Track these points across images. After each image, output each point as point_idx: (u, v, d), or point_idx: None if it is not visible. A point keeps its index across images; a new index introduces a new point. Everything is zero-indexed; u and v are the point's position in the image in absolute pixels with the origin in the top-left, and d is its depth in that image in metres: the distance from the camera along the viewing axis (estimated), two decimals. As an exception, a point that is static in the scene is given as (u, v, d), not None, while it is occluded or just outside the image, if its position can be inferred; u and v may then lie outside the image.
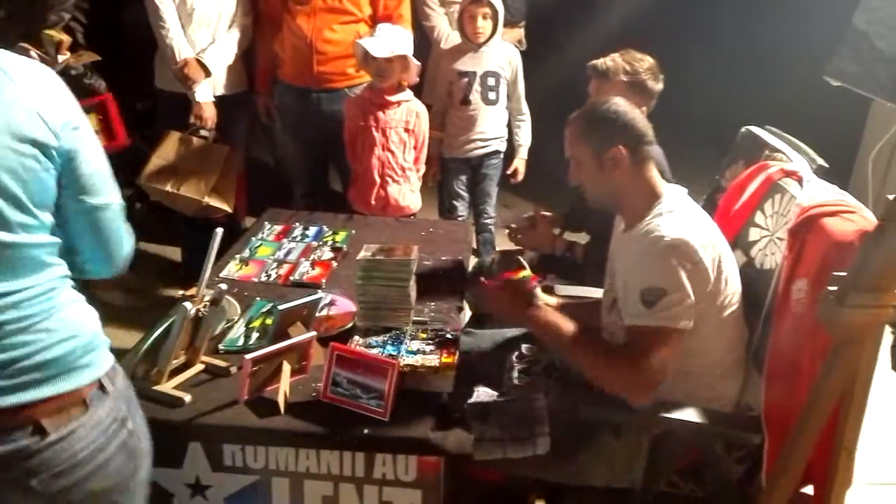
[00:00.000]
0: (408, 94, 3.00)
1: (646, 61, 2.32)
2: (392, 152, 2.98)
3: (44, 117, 1.15)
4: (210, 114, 3.16)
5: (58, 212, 1.23)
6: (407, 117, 2.98)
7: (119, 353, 2.89)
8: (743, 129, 2.58)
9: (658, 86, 2.33)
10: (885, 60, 1.49)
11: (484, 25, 3.22)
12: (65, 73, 2.67)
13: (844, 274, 1.09)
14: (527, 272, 2.15)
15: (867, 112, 3.66)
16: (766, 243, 1.86)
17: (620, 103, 1.81)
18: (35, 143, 1.15)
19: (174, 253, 3.86)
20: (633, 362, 1.64)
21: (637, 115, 1.80)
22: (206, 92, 3.15)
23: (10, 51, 1.20)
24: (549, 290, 2.25)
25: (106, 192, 1.29)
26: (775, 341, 1.70)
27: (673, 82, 2.49)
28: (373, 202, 3.03)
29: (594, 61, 2.35)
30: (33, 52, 2.21)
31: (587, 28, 5.56)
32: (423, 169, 3.14)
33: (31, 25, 1.46)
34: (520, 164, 3.51)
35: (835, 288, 1.09)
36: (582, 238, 2.70)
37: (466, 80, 3.32)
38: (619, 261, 1.85)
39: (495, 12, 3.22)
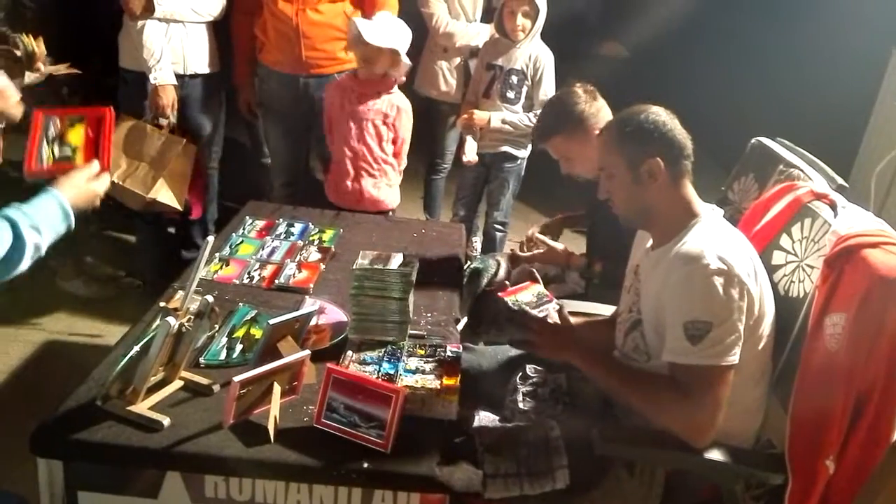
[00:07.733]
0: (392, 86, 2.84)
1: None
2: (367, 144, 2.83)
3: None
4: (169, 100, 2.88)
5: None
6: (387, 110, 2.83)
7: (84, 348, 2.76)
8: (753, 141, 2.46)
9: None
10: None
11: (524, 23, 3.08)
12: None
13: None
14: (539, 287, 2.02)
15: (864, 125, 3.58)
16: (792, 269, 1.75)
17: (660, 113, 1.67)
18: None
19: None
20: (685, 404, 1.52)
21: (677, 126, 1.66)
22: (167, 73, 2.86)
23: None
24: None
25: None
26: (804, 376, 1.59)
27: (677, 87, 2.36)
28: (345, 193, 2.89)
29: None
30: None
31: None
32: (404, 163, 2.98)
33: None
34: (479, 115, 3.17)
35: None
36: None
37: (492, 73, 3.20)
38: (649, 282, 1.71)
39: (536, 10, 3.07)
